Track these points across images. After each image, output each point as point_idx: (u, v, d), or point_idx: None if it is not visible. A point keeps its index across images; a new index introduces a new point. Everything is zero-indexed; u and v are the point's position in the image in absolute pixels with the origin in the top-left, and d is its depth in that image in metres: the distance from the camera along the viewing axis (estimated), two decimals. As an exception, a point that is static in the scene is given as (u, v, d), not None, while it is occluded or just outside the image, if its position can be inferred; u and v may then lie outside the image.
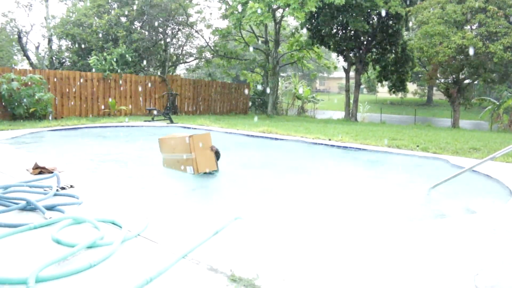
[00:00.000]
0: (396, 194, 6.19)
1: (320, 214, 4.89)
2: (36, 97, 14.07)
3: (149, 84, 19.92)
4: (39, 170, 5.51)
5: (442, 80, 25.91)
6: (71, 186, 4.77)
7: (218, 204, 5.28)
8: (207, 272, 2.58)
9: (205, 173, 6.47)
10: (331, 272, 2.66)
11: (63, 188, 4.65)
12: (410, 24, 25.05)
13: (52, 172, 5.40)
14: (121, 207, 4.03)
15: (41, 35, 25.31)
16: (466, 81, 25.39)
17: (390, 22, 23.03)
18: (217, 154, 6.70)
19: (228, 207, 4.99)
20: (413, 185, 6.70)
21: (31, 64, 23.58)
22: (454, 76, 24.39)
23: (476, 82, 27.77)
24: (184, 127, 14.04)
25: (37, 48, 25.76)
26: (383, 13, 21.66)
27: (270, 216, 4.50)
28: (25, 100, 13.86)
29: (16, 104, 13.85)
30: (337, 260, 2.86)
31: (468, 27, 22.45)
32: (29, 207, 3.81)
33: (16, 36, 23.68)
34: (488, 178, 6.41)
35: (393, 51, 24.04)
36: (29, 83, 14.31)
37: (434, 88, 42.54)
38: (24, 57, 23.95)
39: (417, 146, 9.74)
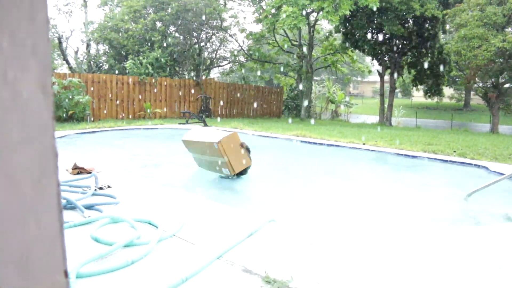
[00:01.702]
0: (433, 200, 6.07)
1: (354, 218, 4.85)
2: (75, 100, 14.50)
3: (184, 88, 20.21)
4: (78, 170, 5.67)
5: (481, 84, 25.23)
6: (109, 186, 4.89)
7: (252, 206, 5.30)
8: (241, 273, 2.60)
9: (240, 173, 6.47)
10: (366, 277, 2.64)
11: (101, 188, 4.77)
12: (447, 27, 24.52)
13: (90, 173, 5.55)
14: (157, 208, 4.10)
15: (80, 40, 26.05)
16: (506, 85, 24.63)
17: (426, 25, 22.60)
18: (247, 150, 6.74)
19: (262, 209, 5.01)
20: (450, 191, 6.55)
21: (70, 68, 24.27)
22: (493, 80, 23.70)
23: (516, 86, 26.92)
24: (218, 130, 14.14)
25: (76, 52, 26.49)
26: (419, 16, 21.28)
27: (304, 219, 4.49)
28: (64, 102, 14.30)
29: (56, 106, 14.29)
30: (372, 265, 2.84)
31: (509, 29, 21.80)
32: (69, 206, 3.93)
33: (57, 42, 24.45)
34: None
35: (429, 55, 23.58)
36: (69, 87, 14.76)
37: (472, 93, 41.46)
38: (64, 62, 24.65)
39: (454, 151, 9.52)
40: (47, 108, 0.50)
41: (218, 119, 18.98)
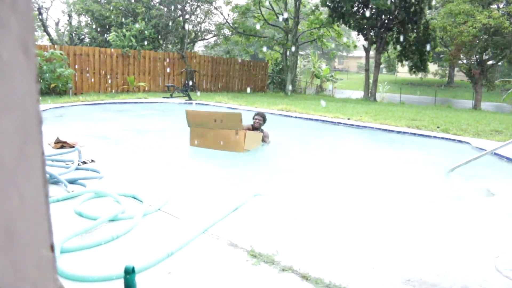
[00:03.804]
0: (416, 175, 6.14)
1: (339, 192, 4.89)
2: (57, 72, 14.20)
3: (168, 61, 19.95)
4: (61, 144, 5.59)
5: (465, 61, 25.36)
6: (92, 161, 4.84)
7: (238, 180, 5.30)
8: (227, 247, 2.61)
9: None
10: (350, 250, 2.67)
11: (84, 163, 4.72)
12: (433, 2, 24.43)
13: (73, 147, 5.48)
14: (141, 182, 4.08)
15: (61, 11, 25.34)
16: (490, 62, 24.80)
17: (413, 0, 22.49)
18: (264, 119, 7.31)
19: (248, 183, 5.01)
20: (433, 166, 6.63)
21: (51, 40, 23.72)
22: (477, 56, 23.84)
23: (500, 63, 27.13)
24: (203, 104, 14.07)
25: (57, 24, 25.89)
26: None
27: (289, 193, 4.51)
28: (46, 75, 13.99)
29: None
30: (356, 239, 2.87)
31: (495, 5, 21.83)
32: (52, 181, 3.88)
33: (36, 12, 23.78)
34: (510, 161, 6.32)
35: (415, 30, 23.53)
36: (50, 59, 14.43)
37: (456, 69, 41.71)
38: (44, 33, 24.03)
39: (438, 127, 9.62)
40: (30, 71, 0.47)
41: (198, 93, 18.85)
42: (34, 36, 0.48)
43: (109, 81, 17.76)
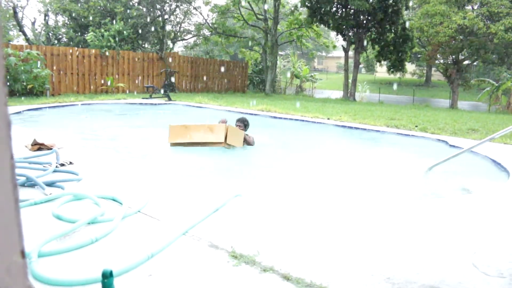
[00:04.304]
0: (394, 174, 6.21)
1: (318, 192, 4.91)
2: (34, 73, 13.95)
3: (147, 62, 19.78)
4: (38, 146, 5.50)
5: (442, 61, 25.76)
6: (71, 163, 4.77)
7: (218, 181, 5.29)
8: (208, 249, 2.59)
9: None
10: (331, 249, 2.68)
11: (62, 165, 4.65)
12: (411, 3, 24.77)
13: (51, 149, 5.39)
14: (121, 184, 4.03)
15: (37, 10, 24.92)
16: (466, 62, 25.24)
17: (390, 1, 22.73)
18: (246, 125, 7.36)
19: (228, 184, 5.00)
20: (411, 165, 6.71)
21: (27, 39, 23.30)
22: (453, 56, 24.25)
23: (475, 63, 27.65)
24: (182, 105, 14.00)
25: (33, 23, 25.43)
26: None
27: (269, 194, 4.52)
28: (22, 76, 13.72)
29: (13, 80, 13.70)
30: (337, 238, 2.88)
31: (470, 7, 22.23)
32: (29, 183, 3.81)
33: (12, 11, 23.33)
34: (486, 159, 6.43)
35: (393, 31, 23.81)
36: (27, 59, 14.17)
37: (433, 69, 42.36)
38: (20, 33, 23.61)
39: (416, 126, 9.74)
40: (-4, 73, 0.45)
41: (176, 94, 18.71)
42: (1, 37, 0.47)
43: (88, 82, 17.53)
